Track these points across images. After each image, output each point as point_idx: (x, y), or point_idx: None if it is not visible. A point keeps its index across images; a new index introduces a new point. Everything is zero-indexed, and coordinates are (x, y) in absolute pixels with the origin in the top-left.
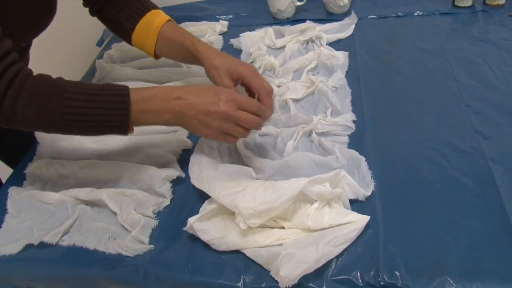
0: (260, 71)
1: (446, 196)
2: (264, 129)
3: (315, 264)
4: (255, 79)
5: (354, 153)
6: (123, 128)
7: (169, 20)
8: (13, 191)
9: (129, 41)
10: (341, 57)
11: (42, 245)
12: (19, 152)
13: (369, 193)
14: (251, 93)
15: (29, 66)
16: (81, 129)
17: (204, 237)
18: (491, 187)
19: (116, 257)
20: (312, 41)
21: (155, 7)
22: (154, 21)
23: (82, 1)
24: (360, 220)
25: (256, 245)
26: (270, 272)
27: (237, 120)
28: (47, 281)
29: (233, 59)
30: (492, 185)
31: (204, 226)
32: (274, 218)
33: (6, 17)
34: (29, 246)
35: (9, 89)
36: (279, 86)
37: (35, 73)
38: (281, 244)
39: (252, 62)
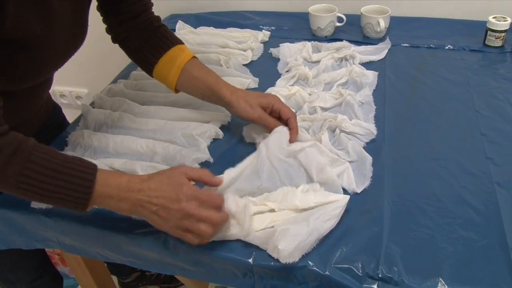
0: (294, 79)
1: (449, 209)
2: (300, 123)
3: (308, 237)
4: (283, 106)
5: (363, 152)
6: (81, 207)
7: (194, 57)
8: None
9: (149, 73)
10: (371, 76)
11: None
12: None
13: (359, 190)
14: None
15: (81, 55)
16: (36, 199)
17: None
18: (493, 208)
19: (140, 222)
20: (346, 59)
21: (180, 42)
22: (179, 56)
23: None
24: (342, 199)
25: (253, 231)
26: (267, 251)
27: (198, 218)
28: (75, 237)
29: (257, 92)
30: (494, 205)
31: None
32: (264, 202)
33: (48, 43)
34: None
35: None
36: (310, 94)
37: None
38: (273, 226)
39: (287, 71)
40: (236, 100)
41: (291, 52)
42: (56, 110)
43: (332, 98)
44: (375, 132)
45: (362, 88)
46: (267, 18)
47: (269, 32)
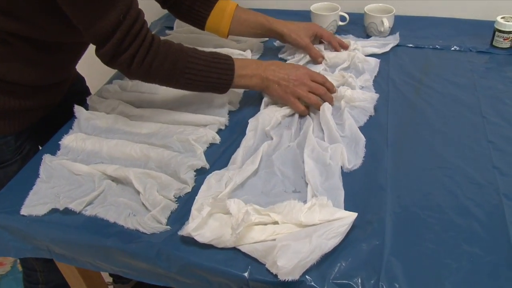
0: (302, 62)
1: (454, 222)
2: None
3: (310, 255)
4: (323, 32)
5: (358, 132)
6: (226, 87)
7: (238, 5)
8: (46, 158)
9: (201, 26)
10: (373, 62)
11: (66, 211)
12: None
13: (350, 166)
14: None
15: None
16: (194, 86)
17: (202, 240)
18: (500, 221)
19: (133, 232)
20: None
21: None
22: (227, 6)
23: None
24: (349, 216)
25: (252, 241)
26: (265, 265)
27: (309, 88)
28: (65, 246)
29: (303, 23)
30: (501, 218)
31: (200, 231)
32: (267, 212)
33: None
34: (54, 211)
35: (147, 54)
36: None
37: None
38: (274, 239)
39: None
40: (288, 33)
41: None
42: (80, 77)
43: (334, 81)
44: (375, 96)
45: (363, 73)
46: (269, 16)
47: None
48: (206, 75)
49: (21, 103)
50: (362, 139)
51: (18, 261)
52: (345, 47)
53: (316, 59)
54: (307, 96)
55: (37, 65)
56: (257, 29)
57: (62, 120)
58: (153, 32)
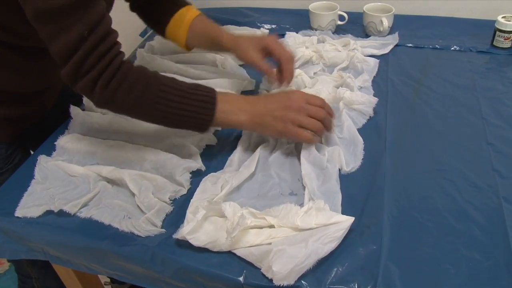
0: (299, 63)
1: (453, 226)
2: None
3: (305, 260)
4: (277, 47)
5: (357, 134)
6: (206, 124)
7: (200, 14)
8: (42, 159)
9: (163, 34)
10: (372, 62)
11: (61, 213)
12: None
13: (348, 169)
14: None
15: None
16: (169, 120)
17: (197, 243)
18: (499, 225)
19: (128, 235)
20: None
21: (188, 3)
22: (186, 15)
23: None
24: (346, 220)
25: (247, 245)
26: (261, 269)
27: (309, 112)
28: (60, 248)
29: (256, 36)
30: (500, 222)
31: (195, 234)
32: (263, 216)
33: None
34: (49, 212)
35: (113, 78)
36: (311, 78)
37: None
38: (270, 243)
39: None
40: (234, 49)
41: (296, 43)
42: None
43: (332, 81)
44: (374, 100)
45: (362, 74)
46: (267, 15)
47: (267, 31)
48: (181, 107)
49: (10, 110)
50: (360, 141)
51: None
52: (287, 80)
53: (267, 74)
54: (310, 123)
55: (24, 72)
56: (210, 43)
57: (59, 122)
58: (150, 31)
